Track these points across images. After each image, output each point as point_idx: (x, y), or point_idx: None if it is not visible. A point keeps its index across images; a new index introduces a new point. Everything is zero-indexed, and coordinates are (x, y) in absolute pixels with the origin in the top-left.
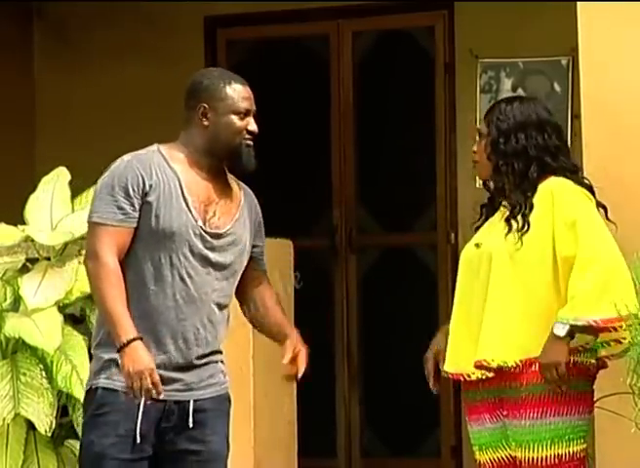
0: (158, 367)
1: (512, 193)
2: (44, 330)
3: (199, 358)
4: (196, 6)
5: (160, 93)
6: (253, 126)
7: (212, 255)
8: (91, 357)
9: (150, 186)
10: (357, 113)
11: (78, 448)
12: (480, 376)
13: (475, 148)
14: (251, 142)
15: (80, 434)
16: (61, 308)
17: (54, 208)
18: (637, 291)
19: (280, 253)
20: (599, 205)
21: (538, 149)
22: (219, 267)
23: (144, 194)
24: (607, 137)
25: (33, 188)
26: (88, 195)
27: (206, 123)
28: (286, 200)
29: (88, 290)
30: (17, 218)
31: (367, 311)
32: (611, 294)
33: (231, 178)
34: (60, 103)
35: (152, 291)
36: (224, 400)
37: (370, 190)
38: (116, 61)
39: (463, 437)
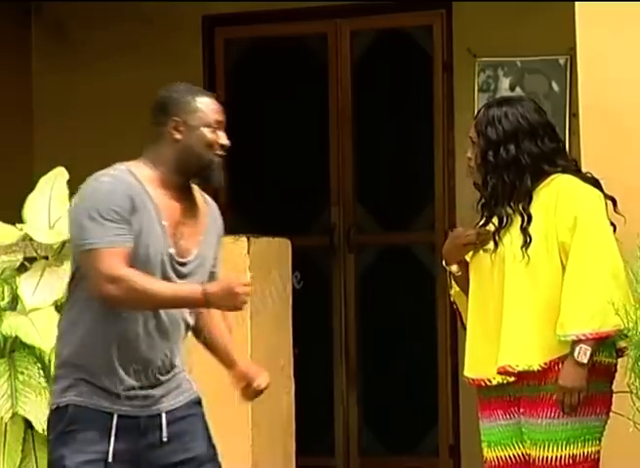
0: (127, 389)
1: (500, 206)
2: (41, 329)
3: (168, 374)
4: (194, 5)
5: (158, 92)
6: (224, 140)
7: (181, 282)
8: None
9: (134, 209)
10: (355, 112)
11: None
12: (501, 381)
13: (469, 154)
14: (220, 158)
15: (48, 451)
16: (59, 307)
17: (52, 207)
18: (635, 288)
19: (279, 253)
20: (607, 197)
21: (532, 157)
22: None
23: (130, 217)
24: (605, 136)
25: (32, 188)
26: None
27: (178, 136)
28: (284, 199)
29: None
30: (15, 218)
31: (365, 310)
32: (602, 305)
33: (196, 191)
34: (59, 103)
35: (124, 317)
36: (194, 404)
37: (368, 189)
38: (114, 61)
39: (462, 436)
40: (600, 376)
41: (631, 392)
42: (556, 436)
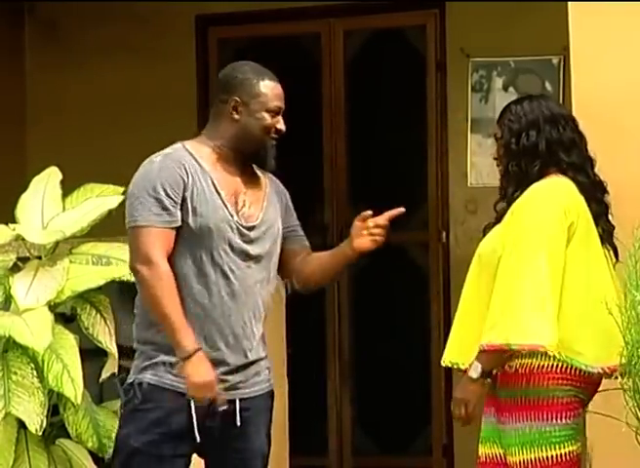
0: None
1: (511, 193)
2: (34, 329)
3: (248, 356)
4: (188, 5)
5: (151, 91)
6: (281, 125)
7: (250, 248)
8: (90, 355)
9: (187, 184)
10: (349, 112)
11: (69, 446)
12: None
13: (495, 154)
14: (274, 142)
15: (117, 426)
16: (52, 307)
17: (45, 207)
18: (629, 288)
19: None
20: (603, 203)
21: (550, 143)
22: (257, 259)
23: (183, 192)
24: (598, 136)
25: (24, 187)
26: (79, 194)
27: (237, 117)
28: None
29: (79, 289)
30: (8, 217)
31: (358, 310)
32: (503, 322)
33: (256, 168)
34: (52, 103)
35: (197, 289)
36: (268, 397)
37: (361, 189)
38: (108, 60)
39: (455, 435)
40: (544, 381)
41: (624, 391)
42: (510, 441)
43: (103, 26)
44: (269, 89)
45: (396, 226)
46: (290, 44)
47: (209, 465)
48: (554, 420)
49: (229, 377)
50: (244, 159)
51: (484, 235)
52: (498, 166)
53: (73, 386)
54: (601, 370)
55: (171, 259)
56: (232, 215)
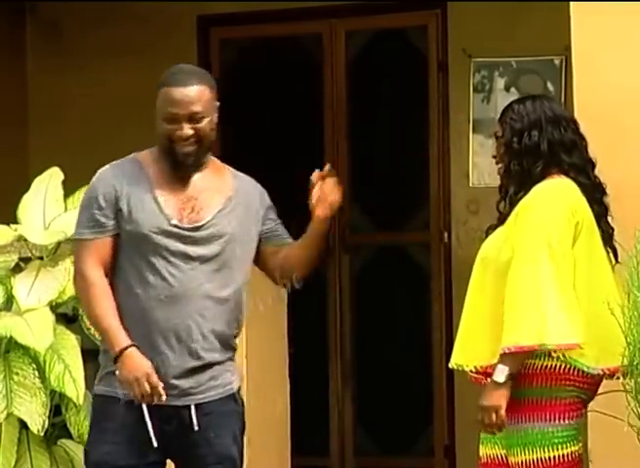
0: (156, 371)
1: (514, 193)
2: (36, 329)
3: (197, 358)
4: (189, 5)
5: (153, 92)
6: (182, 131)
7: (193, 250)
8: (92, 356)
9: (120, 195)
10: (350, 112)
11: (71, 447)
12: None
13: (495, 153)
14: (188, 148)
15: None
16: (54, 308)
17: (47, 207)
18: (631, 288)
19: None
20: (603, 204)
21: (552, 144)
22: (203, 260)
23: (116, 202)
24: (600, 136)
25: (26, 188)
26: (81, 194)
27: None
28: (279, 199)
29: None
30: (10, 218)
31: (360, 310)
32: (519, 319)
33: (226, 169)
34: (53, 103)
35: (138, 294)
36: (230, 400)
37: (363, 189)
38: (109, 61)
39: (457, 436)
40: (548, 382)
41: (626, 392)
42: (512, 441)
43: (105, 27)
44: (165, 95)
45: (398, 227)
46: (291, 44)
47: None
48: (557, 421)
49: (179, 382)
50: (177, 165)
51: (486, 236)
52: (497, 164)
53: (75, 386)
54: (601, 372)
55: (117, 267)
56: (170, 220)
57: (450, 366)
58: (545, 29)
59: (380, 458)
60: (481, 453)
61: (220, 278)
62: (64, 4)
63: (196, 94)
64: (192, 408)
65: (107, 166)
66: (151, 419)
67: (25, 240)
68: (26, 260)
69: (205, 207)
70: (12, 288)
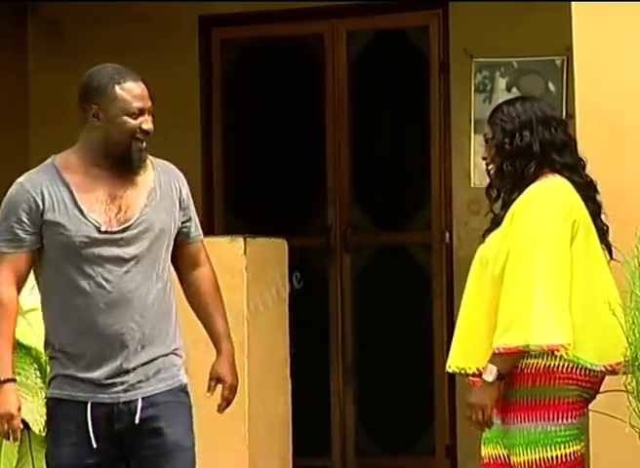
0: (107, 377)
1: (508, 195)
2: (38, 329)
3: (142, 355)
4: (191, 5)
5: (154, 92)
6: (147, 124)
7: (126, 251)
8: None
9: (44, 208)
10: (352, 112)
11: None
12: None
13: (485, 154)
14: (143, 144)
15: None
16: None
17: None
18: (632, 289)
19: (275, 253)
20: (597, 202)
21: (543, 144)
22: (137, 260)
23: (40, 215)
24: (601, 137)
25: None
26: None
27: (98, 124)
28: (281, 200)
29: None
30: None
31: (361, 310)
32: (513, 318)
33: (149, 160)
34: (55, 103)
35: (77, 305)
36: (179, 392)
37: (364, 189)
38: (111, 61)
39: (458, 436)
40: (550, 381)
41: (627, 392)
42: (514, 441)
43: (106, 27)
44: (126, 91)
45: (399, 227)
46: (293, 44)
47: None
48: (559, 420)
49: (127, 378)
50: (113, 164)
51: (483, 239)
52: (487, 166)
53: None
54: (604, 369)
55: (49, 280)
56: (99, 226)
57: (448, 369)
58: (547, 29)
59: (381, 458)
60: (483, 454)
61: (155, 274)
62: (66, 4)
63: (145, 88)
64: (139, 400)
65: (25, 175)
66: (101, 417)
67: None
68: None
69: (131, 204)
70: None
